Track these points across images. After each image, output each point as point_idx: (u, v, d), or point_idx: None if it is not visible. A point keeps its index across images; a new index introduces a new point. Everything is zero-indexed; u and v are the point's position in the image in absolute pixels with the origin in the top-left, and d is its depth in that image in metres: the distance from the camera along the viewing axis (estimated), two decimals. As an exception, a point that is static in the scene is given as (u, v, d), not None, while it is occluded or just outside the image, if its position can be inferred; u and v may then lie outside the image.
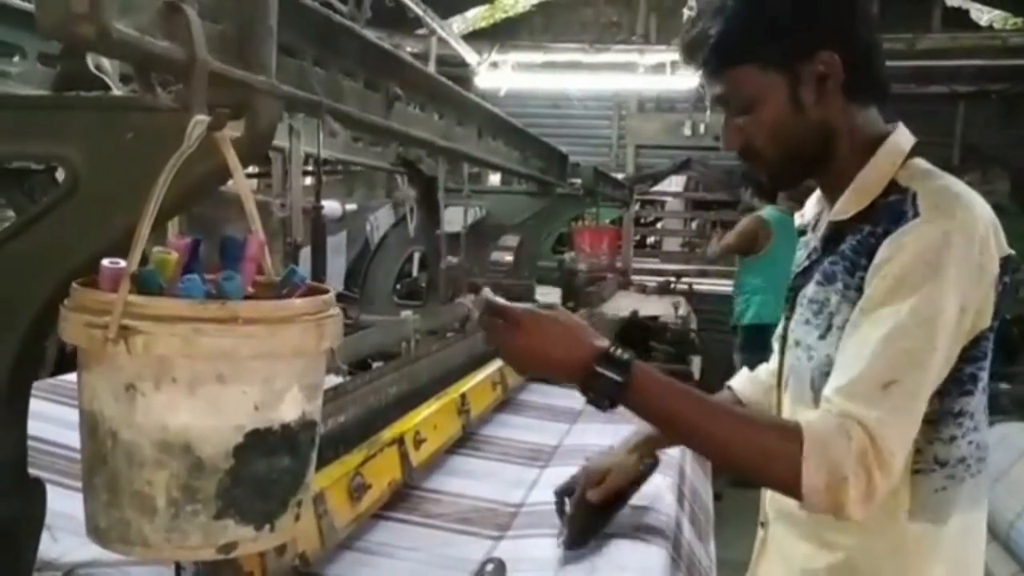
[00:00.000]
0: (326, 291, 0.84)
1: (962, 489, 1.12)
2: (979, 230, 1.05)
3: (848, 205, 1.15)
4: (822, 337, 1.17)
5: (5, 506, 1.02)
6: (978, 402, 1.12)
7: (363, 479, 1.37)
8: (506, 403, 2.40)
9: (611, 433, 2.15)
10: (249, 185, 0.85)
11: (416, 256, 4.51)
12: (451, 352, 2.27)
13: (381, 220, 6.04)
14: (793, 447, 1.02)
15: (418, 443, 1.64)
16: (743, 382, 1.63)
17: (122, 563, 1.35)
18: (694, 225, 9.57)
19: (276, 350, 0.74)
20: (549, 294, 4.41)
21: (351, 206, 5.91)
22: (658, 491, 1.69)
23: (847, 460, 0.99)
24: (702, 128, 8.17)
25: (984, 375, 1.12)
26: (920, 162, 1.15)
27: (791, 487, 1.02)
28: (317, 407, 0.82)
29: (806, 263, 1.28)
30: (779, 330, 1.37)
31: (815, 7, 1.11)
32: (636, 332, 4.16)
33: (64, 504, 1.06)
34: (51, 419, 1.58)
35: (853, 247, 1.14)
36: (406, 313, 2.28)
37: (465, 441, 1.98)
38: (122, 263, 0.73)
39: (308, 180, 3.51)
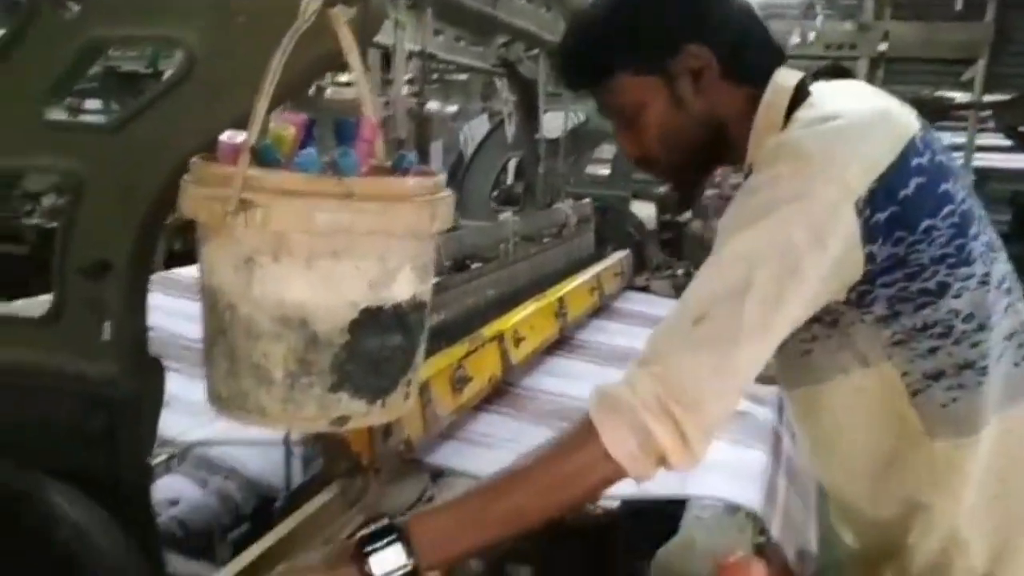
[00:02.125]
0: (436, 175, 0.83)
1: (982, 393, 1.03)
2: (821, 164, 0.95)
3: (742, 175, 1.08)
4: None
5: (128, 384, 1.07)
6: (967, 302, 1.01)
7: (465, 371, 1.39)
8: (602, 309, 2.39)
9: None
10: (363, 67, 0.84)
11: (511, 164, 4.47)
12: (548, 256, 2.27)
13: (475, 131, 6.00)
14: (587, 435, 0.94)
15: (517, 341, 1.65)
16: None
17: (233, 442, 1.42)
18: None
19: (390, 227, 0.74)
20: (644, 209, 4.33)
21: (451, 108, 5.88)
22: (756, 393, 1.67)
23: (640, 412, 0.91)
24: (811, 36, 7.77)
25: (960, 278, 1.01)
26: (812, 106, 1.03)
27: (613, 471, 0.93)
28: (428, 290, 0.82)
29: None
30: None
31: (668, 5, 1.06)
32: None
33: (178, 388, 1.11)
34: (162, 310, 1.65)
35: None
36: (505, 215, 2.27)
37: (562, 344, 1.99)
38: (242, 135, 0.74)
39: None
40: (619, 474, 0.93)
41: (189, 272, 1.90)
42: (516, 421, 1.51)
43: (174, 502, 1.40)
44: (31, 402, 1.09)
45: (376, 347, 0.76)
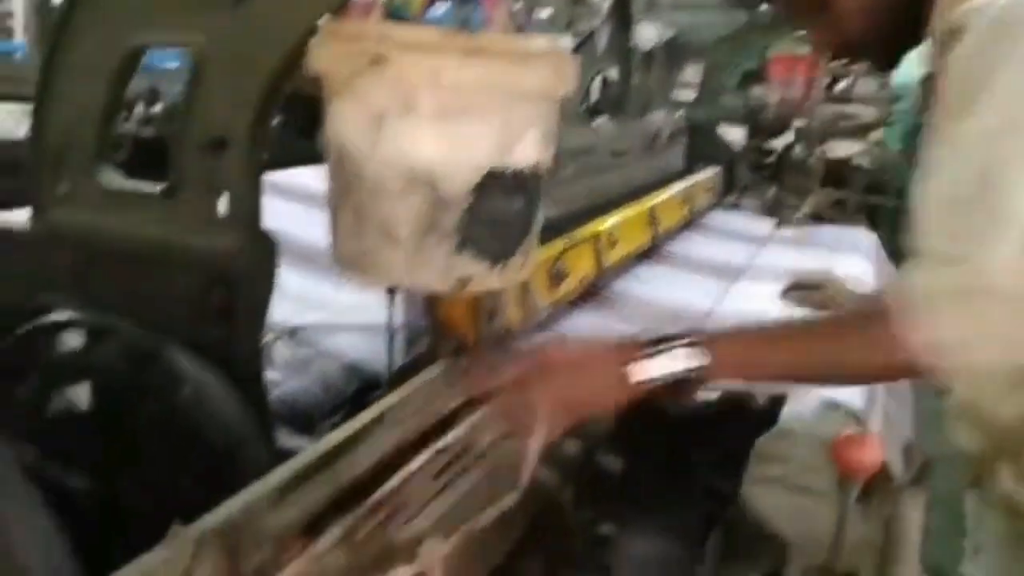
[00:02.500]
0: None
1: None
2: None
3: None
4: None
5: (245, 258, 1.11)
6: None
7: (562, 267, 1.39)
8: (692, 223, 2.36)
9: (802, 257, 2.09)
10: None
11: (597, 80, 4.39)
12: (640, 168, 2.25)
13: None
14: (881, 313, 0.85)
15: (611, 244, 1.64)
16: None
17: (335, 327, 1.46)
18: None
19: (518, 85, 0.74)
20: (731, 132, 4.23)
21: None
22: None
23: (937, 290, 0.82)
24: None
25: None
26: None
27: (900, 357, 0.84)
28: (547, 159, 0.82)
29: None
30: None
31: None
32: (825, 175, 3.97)
33: (284, 279, 1.14)
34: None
35: None
36: (598, 121, 2.24)
37: (652, 253, 1.98)
38: (374, -9, 0.74)
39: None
40: (910, 362, 0.83)
41: (280, 175, 1.94)
42: (608, 320, 1.51)
43: (277, 383, 1.45)
44: (153, 275, 1.13)
45: (499, 210, 0.77)
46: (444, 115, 0.73)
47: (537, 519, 1.11)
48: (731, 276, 1.93)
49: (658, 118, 2.58)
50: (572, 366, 0.87)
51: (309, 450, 0.89)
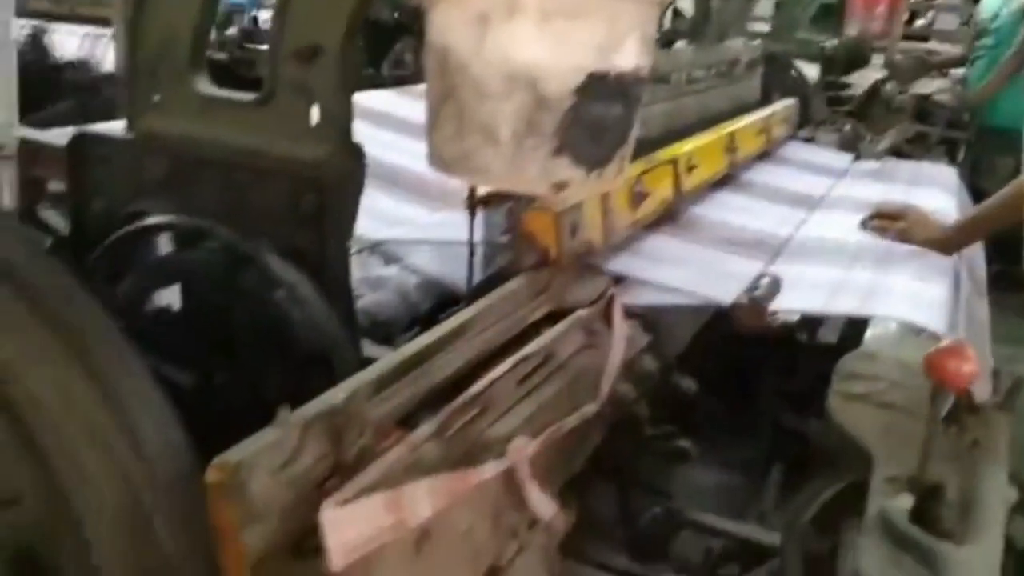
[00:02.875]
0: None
1: None
2: None
3: None
4: None
5: (335, 166, 1.13)
6: None
7: (642, 187, 1.39)
8: (768, 155, 2.32)
9: (880, 191, 2.05)
10: None
11: (668, 10, 4.29)
12: (717, 94, 2.21)
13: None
14: None
15: (689, 168, 1.63)
16: None
17: (415, 242, 1.49)
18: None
19: (623, -12, 0.73)
20: (806, 68, 4.11)
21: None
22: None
23: None
24: None
25: None
26: None
27: None
28: (647, 65, 0.81)
29: None
30: None
31: None
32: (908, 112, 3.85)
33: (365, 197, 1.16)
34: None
35: None
36: (679, 44, 2.20)
37: (730, 181, 1.96)
38: None
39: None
40: None
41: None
42: (686, 243, 1.51)
43: (358, 296, 1.49)
44: (245, 182, 1.17)
45: (599, 114, 0.77)
46: (548, 17, 0.73)
47: (614, 430, 1.13)
48: (809, 205, 1.91)
49: (736, 46, 2.52)
50: None
51: (403, 348, 0.92)
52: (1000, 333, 1.59)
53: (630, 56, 0.77)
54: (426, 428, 0.83)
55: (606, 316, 1.20)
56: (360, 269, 1.75)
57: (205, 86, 1.22)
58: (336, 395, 0.79)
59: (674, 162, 1.58)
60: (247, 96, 1.18)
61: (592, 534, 1.17)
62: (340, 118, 1.11)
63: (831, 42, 4.68)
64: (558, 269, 1.15)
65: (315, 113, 1.11)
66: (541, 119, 0.76)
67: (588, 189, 0.81)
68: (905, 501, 0.75)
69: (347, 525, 0.72)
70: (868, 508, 0.76)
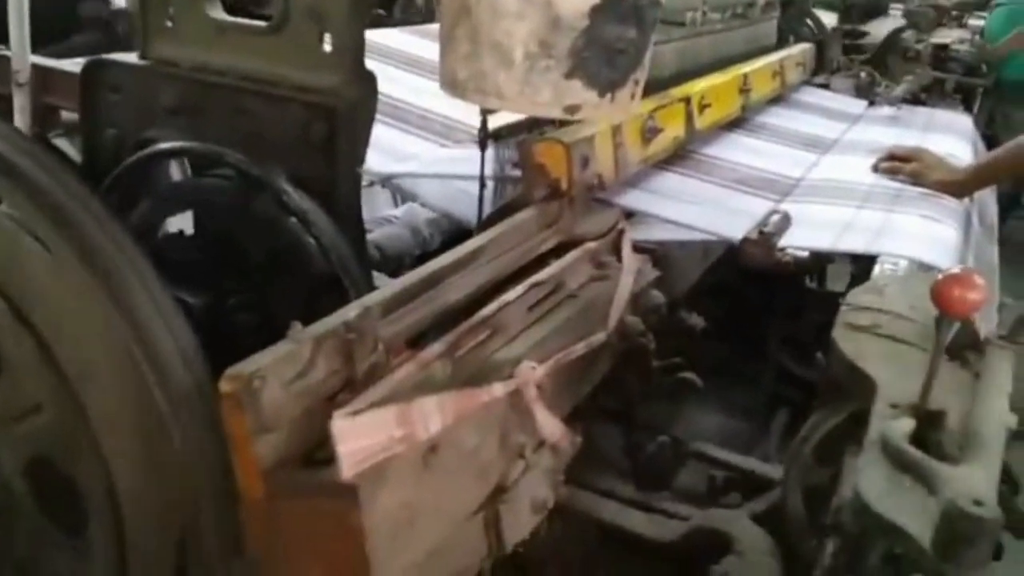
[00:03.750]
0: None
1: None
2: None
3: None
4: None
5: (347, 94, 1.13)
6: None
7: (655, 123, 1.39)
8: (782, 99, 2.30)
9: (894, 136, 2.03)
10: None
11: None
12: (732, 36, 2.18)
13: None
14: None
15: (702, 107, 1.62)
16: None
17: (427, 175, 1.49)
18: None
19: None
20: (824, 16, 4.05)
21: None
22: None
23: None
24: None
25: None
26: None
27: None
28: (662, -12, 0.81)
29: None
30: None
31: None
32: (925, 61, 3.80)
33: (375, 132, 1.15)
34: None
35: None
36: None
37: (743, 123, 1.95)
38: None
39: None
40: None
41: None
42: (698, 182, 1.51)
43: (368, 229, 1.50)
44: (259, 108, 1.16)
45: (612, 37, 0.77)
46: (565, -67, 0.73)
47: (622, 361, 1.15)
48: (822, 148, 1.90)
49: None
50: None
51: (415, 271, 0.93)
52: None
53: (645, -23, 0.77)
54: (436, 347, 0.84)
55: (616, 249, 1.20)
56: (371, 208, 1.76)
57: (217, 12, 1.21)
58: (348, 313, 0.81)
59: (687, 100, 1.57)
60: (260, 23, 1.17)
61: (597, 463, 1.19)
62: (352, 46, 1.11)
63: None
64: (569, 201, 1.16)
65: (328, 41, 1.12)
66: (555, 40, 0.76)
67: (602, 113, 0.81)
68: (906, 424, 0.76)
69: (357, 435, 0.73)
70: (869, 431, 0.77)
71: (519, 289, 0.99)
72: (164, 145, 1.17)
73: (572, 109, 0.79)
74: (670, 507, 1.11)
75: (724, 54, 2.08)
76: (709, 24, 2.05)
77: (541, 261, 1.11)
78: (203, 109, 1.20)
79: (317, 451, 0.77)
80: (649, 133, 1.37)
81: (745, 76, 1.92)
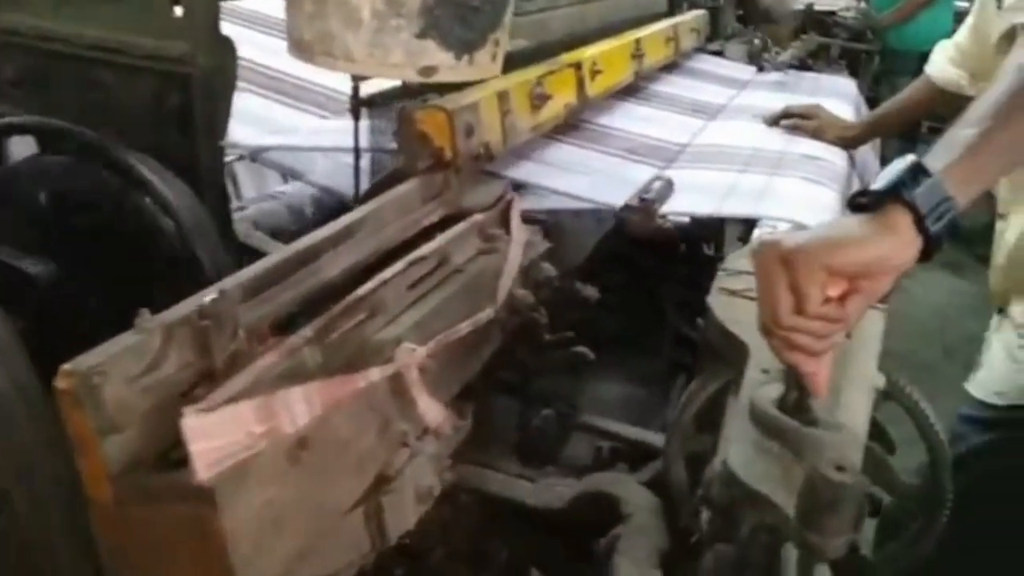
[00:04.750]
0: None
1: None
2: None
3: None
4: None
5: (202, 61, 1.06)
6: None
7: (543, 89, 1.35)
8: (676, 66, 2.31)
9: (781, 100, 2.06)
10: None
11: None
12: (622, 2, 2.16)
13: None
14: None
15: (594, 73, 1.59)
16: (939, 66, 1.74)
17: (300, 148, 1.42)
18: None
19: None
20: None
21: None
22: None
23: None
24: None
25: None
26: None
27: None
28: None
29: None
30: (993, 24, 1.37)
31: None
32: (811, 27, 3.88)
33: (241, 103, 1.09)
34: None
35: None
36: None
37: (634, 91, 1.93)
38: None
39: None
40: None
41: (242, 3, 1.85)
42: (590, 151, 1.49)
43: (242, 206, 1.42)
44: (109, 79, 1.08)
45: (468, -6, 0.73)
46: None
47: (512, 337, 1.11)
48: (709, 114, 1.91)
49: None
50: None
51: (281, 250, 0.87)
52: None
53: (502, -68, 0.72)
54: (305, 332, 0.79)
55: (504, 221, 1.16)
56: (260, 186, 1.67)
57: (59, -24, 1.12)
58: (203, 298, 0.75)
59: (578, 66, 1.53)
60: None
61: (487, 440, 1.16)
62: (205, 9, 1.03)
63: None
64: (455, 171, 1.11)
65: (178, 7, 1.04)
66: (406, -2, 0.71)
67: (460, 76, 0.77)
68: (774, 389, 0.75)
69: (212, 433, 0.68)
70: (739, 397, 0.76)
71: (399, 265, 0.94)
72: (6, 120, 1.08)
73: (427, 71, 0.74)
74: (556, 481, 1.09)
75: (615, 19, 2.06)
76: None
77: (425, 236, 1.06)
78: (48, 80, 1.11)
79: (172, 451, 0.71)
80: (538, 100, 1.33)
81: (638, 41, 1.90)
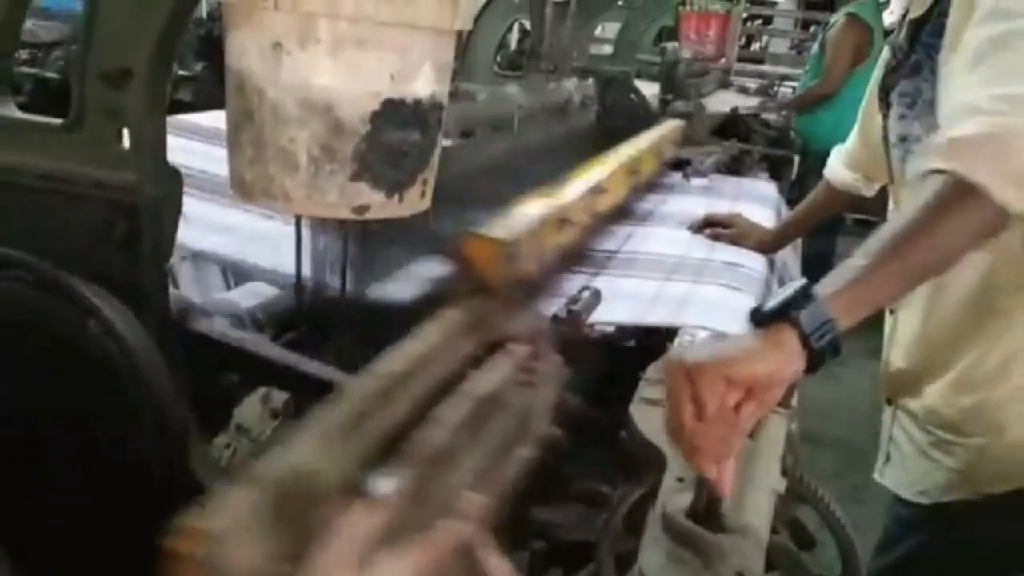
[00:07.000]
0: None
1: None
2: None
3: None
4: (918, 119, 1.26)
5: (148, 191, 1.11)
6: None
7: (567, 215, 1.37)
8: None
9: (706, 205, 2.17)
10: None
11: (516, 27, 4.40)
12: (555, 130, 2.27)
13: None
14: (950, 176, 0.91)
15: (600, 194, 1.63)
16: (835, 169, 1.86)
17: (242, 265, 1.46)
18: (807, 29, 9.02)
19: (413, 20, 0.76)
20: (648, 87, 4.30)
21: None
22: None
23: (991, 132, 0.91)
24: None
25: None
26: None
27: (984, 207, 0.89)
28: (445, 92, 0.85)
29: (894, 62, 1.37)
30: (879, 132, 1.45)
31: None
32: (736, 128, 4.08)
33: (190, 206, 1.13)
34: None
35: (929, 32, 1.23)
36: (510, 87, 2.28)
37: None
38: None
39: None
40: (989, 209, 0.88)
41: (186, 118, 1.93)
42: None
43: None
44: (56, 208, 1.13)
45: (396, 140, 0.80)
46: (341, 46, 0.75)
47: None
48: (637, 220, 2.01)
49: (571, 84, 2.62)
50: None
51: (347, 396, 0.75)
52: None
53: (425, 84, 0.81)
54: (391, 487, 0.66)
55: (536, 352, 1.05)
56: (204, 288, 1.69)
57: (10, 110, 1.17)
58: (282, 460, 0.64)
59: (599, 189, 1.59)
60: (55, 120, 1.14)
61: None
62: (152, 141, 1.09)
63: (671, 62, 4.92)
64: (497, 298, 1.05)
65: (126, 137, 1.10)
66: (338, 145, 0.78)
67: (390, 212, 0.83)
68: (685, 499, 0.80)
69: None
70: (656, 506, 0.81)
71: (462, 404, 0.82)
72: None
73: (361, 209, 0.81)
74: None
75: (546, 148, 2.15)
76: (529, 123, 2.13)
77: (466, 367, 0.92)
78: (-1, 210, 1.15)
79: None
80: (560, 223, 1.34)
81: (636, 159, 1.96)
